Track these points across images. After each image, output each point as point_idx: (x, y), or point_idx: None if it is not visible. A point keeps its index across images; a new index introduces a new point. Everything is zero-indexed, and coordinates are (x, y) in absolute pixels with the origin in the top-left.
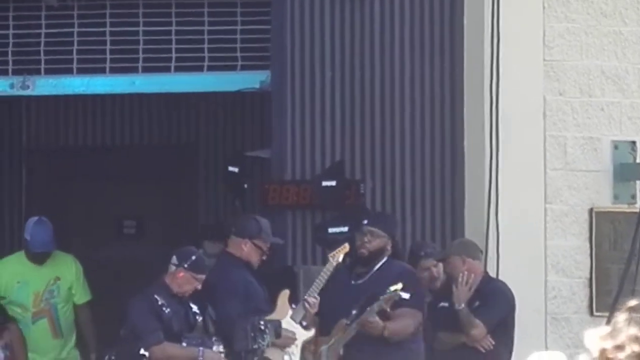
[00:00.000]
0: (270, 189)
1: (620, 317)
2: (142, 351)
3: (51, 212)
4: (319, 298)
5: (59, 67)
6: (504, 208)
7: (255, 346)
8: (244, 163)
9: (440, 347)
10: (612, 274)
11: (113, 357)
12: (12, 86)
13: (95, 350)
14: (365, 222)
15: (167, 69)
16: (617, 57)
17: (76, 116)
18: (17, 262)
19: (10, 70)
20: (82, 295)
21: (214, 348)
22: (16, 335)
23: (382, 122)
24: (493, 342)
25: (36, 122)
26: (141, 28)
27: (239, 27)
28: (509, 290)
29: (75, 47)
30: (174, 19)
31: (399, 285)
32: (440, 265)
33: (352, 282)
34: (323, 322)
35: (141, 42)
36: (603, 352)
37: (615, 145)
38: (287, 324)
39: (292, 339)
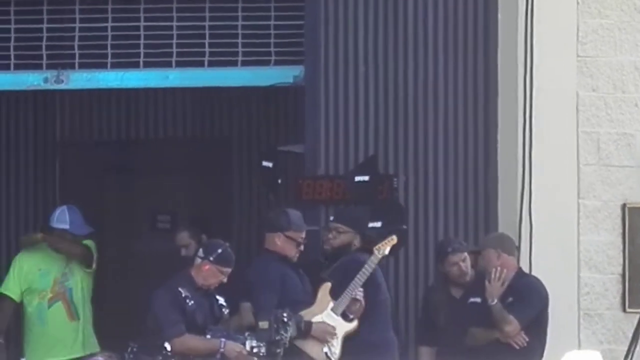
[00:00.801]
0: (304, 184)
1: None
2: (165, 344)
3: (85, 205)
4: (362, 290)
5: (93, 62)
6: (537, 203)
7: (278, 337)
8: (277, 158)
9: (473, 343)
10: None
11: (135, 349)
12: (46, 80)
13: None
14: (332, 218)
15: (200, 64)
16: None
17: (110, 110)
18: (39, 251)
19: (44, 65)
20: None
21: (247, 343)
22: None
23: (415, 116)
24: (527, 339)
25: (70, 116)
26: (175, 23)
27: (272, 22)
28: (543, 286)
29: (110, 41)
30: (207, 14)
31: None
32: (469, 260)
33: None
34: None
35: (175, 36)
36: None
37: None
38: (328, 316)
39: (331, 333)
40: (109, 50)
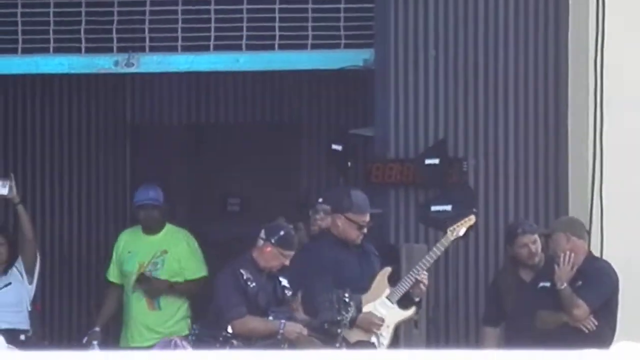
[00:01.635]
0: (374, 168)
1: None
2: (228, 328)
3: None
4: (427, 276)
5: (163, 45)
6: (607, 187)
7: (339, 318)
8: (347, 141)
9: (542, 326)
10: None
11: (197, 331)
12: (116, 64)
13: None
14: (320, 200)
15: (271, 47)
16: None
17: (180, 93)
18: (133, 233)
19: (115, 48)
20: (194, 271)
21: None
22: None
23: (485, 100)
24: (596, 323)
25: (140, 99)
26: (245, 6)
27: (342, 5)
28: (613, 270)
29: (180, 25)
30: None
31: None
32: (539, 242)
33: None
34: None
35: (245, 20)
36: None
37: None
38: (382, 304)
39: (376, 324)
40: (180, 34)
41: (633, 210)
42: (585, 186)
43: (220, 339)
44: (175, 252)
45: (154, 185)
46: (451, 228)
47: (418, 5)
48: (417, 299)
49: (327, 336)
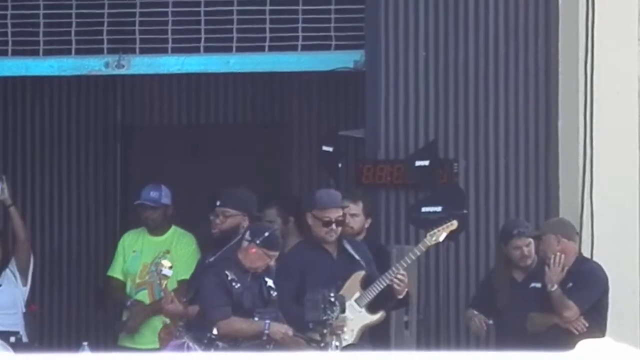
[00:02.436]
0: (364, 169)
1: None
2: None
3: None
4: (405, 275)
5: (153, 47)
6: (598, 188)
7: (325, 317)
8: (338, 142)
9: (532, 328)
10: None
11: (182, 332)
12: (107, 65)
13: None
14: (218, 203)
15: (261, 49)
16: None
17: (170, 95)
18: (138, 233)
19: (105, 49)
20: (180, 272)
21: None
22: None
23: (475, 101)
24: (586, 324)
25: (131, 100)
26: (235, 7)
27: (333, 7)
28: (603, 271)
29: (170, 26)
30: None
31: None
32: (532, 244)
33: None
34: None
35: (235, 21)
36: None
37: None
38: (350, 307)
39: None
40: (170, 35)
41: (623, 211)
42: (575, 187)
43: (205, 340)
44: (176, 254)
45: (159, 185)
46: (431, 232)
47: (408, 7)
48: (399, 297)
49: (312, 336)
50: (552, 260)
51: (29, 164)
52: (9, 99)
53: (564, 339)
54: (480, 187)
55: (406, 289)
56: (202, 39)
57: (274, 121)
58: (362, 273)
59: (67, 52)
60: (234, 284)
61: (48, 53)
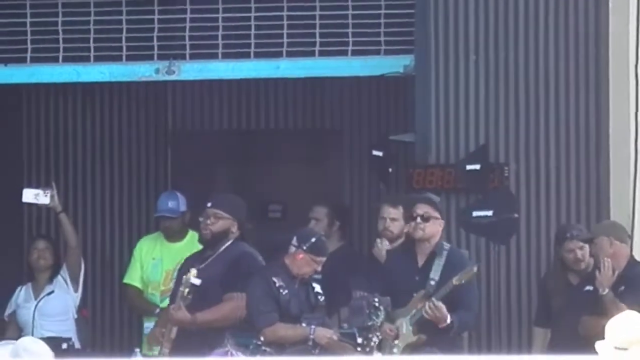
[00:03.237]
0: (415, 173)
1: None
2: (260, 337)
3: (196, 194)
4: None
5: (204, 52)
6: None
7: (370, 323)
8: (388, 147)
9: (585, 332)
10: None
11: (230, 339)
12: (157, 71)
13: None
14: (209, 204)
15: (311, 54)
16: None
17: (221, 100)
18: (155, 239)
19: (155, 55)
20: None
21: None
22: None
23: (526, 104)
24: None
25: (181, 105)
26: (285, 13)
27: (383, 12)
28: None
29: (220, 32)
30: (318, 4)
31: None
32: (587, 247)
33: (200, 265)
34: None
35: (285, 26)
36: None
37: None
38: (403, 322)
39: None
40: (220, 41)
41: None
42: (626, 190)
43: (251, 347)
44: None
45: (174, 193)
46: (456, 278)
47: (458, 10)
48: (440, 326)
49: (361, 342)
50: (602, 264)
51: (79, 170)
52: (60, 106)
53: None
54: (531, 191)
55: (446, 321)
56: (252, 44)
57: (324, 126)
58: (422, 292)
59: (118, 59)
60: (281, 290)
61: (99, 59)
